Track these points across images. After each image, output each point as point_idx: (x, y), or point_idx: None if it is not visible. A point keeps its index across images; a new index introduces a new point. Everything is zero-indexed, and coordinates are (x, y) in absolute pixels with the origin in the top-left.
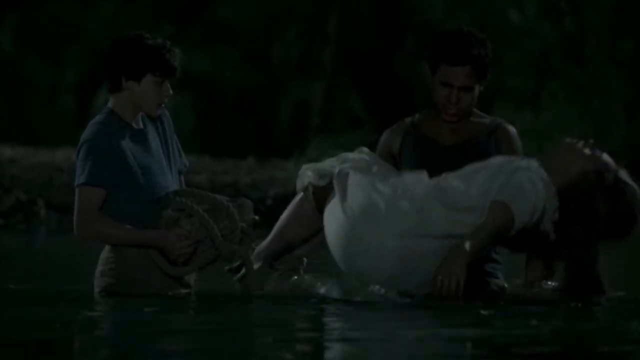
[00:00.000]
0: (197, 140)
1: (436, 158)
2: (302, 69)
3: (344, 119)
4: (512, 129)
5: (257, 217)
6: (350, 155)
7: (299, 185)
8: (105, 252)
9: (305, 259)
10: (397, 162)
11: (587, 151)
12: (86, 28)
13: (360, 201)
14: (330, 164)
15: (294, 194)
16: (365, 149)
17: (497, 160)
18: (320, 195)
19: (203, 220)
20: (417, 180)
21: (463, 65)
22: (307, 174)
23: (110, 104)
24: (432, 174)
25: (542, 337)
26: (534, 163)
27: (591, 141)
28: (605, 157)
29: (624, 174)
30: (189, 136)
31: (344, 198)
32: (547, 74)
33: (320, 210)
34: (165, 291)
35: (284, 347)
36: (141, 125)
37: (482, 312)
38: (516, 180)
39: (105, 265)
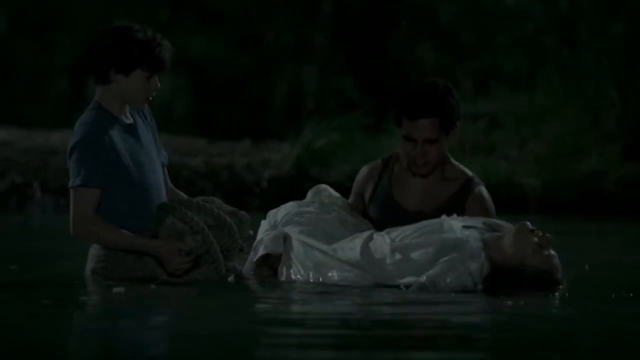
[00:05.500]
0: (192, 123)
1: (399, 222)
2: (296, 52)
3: (338, 102)
4: (483, 191)
5: (252, 232)
6: (297, 210)
7: (254, 257)
8: (96, 250)
9: None
10: (366, 206)
11: (537, 247)
12: (80, 12)
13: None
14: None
15: (288, 176)
16: (324, 191)
17: (440, 238)
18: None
19: (207, 240)
20: (353, 255)
21: (423, 118)
22: (260, 249)
23: (97, 97)
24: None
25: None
26: (474, 242)
27: (548, 235)
28: (553, 259)
29: (560, 275)
30: (185, 119)
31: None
32: (541, 56)
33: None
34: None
35: (263, 330)
36: (130, 120)
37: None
38: (450, 277)
39: (97, 264)
